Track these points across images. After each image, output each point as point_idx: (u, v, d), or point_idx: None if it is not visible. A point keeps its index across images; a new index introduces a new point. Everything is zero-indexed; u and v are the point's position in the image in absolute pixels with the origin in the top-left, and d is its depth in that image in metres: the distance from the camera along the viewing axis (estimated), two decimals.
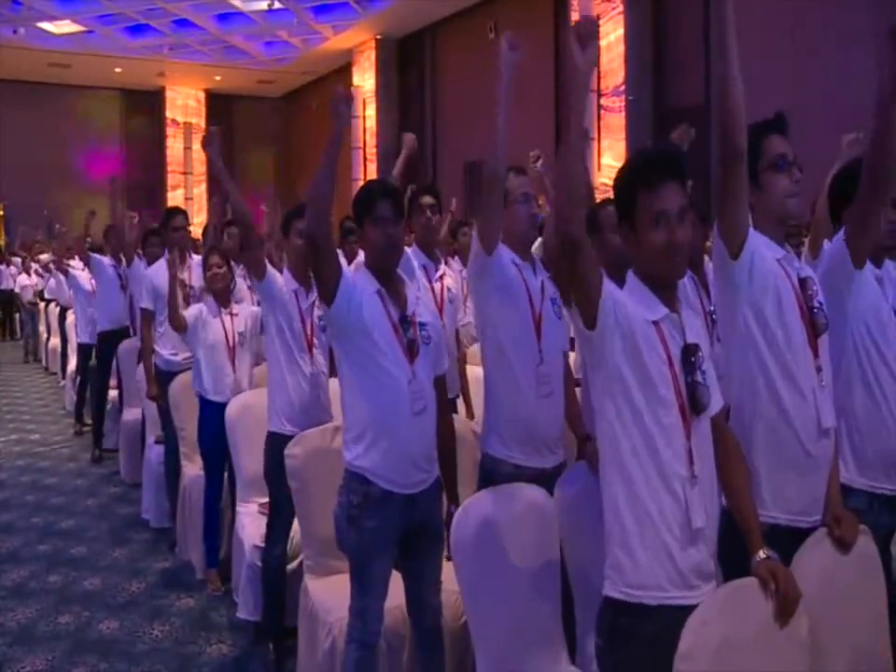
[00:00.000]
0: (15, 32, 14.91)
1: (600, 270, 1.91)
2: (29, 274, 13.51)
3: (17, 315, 14.97)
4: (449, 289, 4.00)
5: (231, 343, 4.40)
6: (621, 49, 10.29)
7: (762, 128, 2.32)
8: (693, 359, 1.96)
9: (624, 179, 2.01)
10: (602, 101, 10.51)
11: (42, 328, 12.77)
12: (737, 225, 2.20)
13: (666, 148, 2.10)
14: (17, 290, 14.30)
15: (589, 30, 1.88)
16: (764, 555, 1.95)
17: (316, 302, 3.63)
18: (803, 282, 2.28)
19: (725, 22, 2.15)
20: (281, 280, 3.66)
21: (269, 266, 3.65)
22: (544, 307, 2.85)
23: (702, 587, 1.92)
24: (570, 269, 1.91)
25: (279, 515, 3.58)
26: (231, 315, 4.45)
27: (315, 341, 3.67)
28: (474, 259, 2.82)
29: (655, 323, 1.94)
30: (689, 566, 1.90)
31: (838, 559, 2.15)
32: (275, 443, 3.56)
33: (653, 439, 1.90)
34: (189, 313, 4.47)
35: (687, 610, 1.84)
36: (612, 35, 10.38)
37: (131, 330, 6.49)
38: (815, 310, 2.27)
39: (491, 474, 2.84)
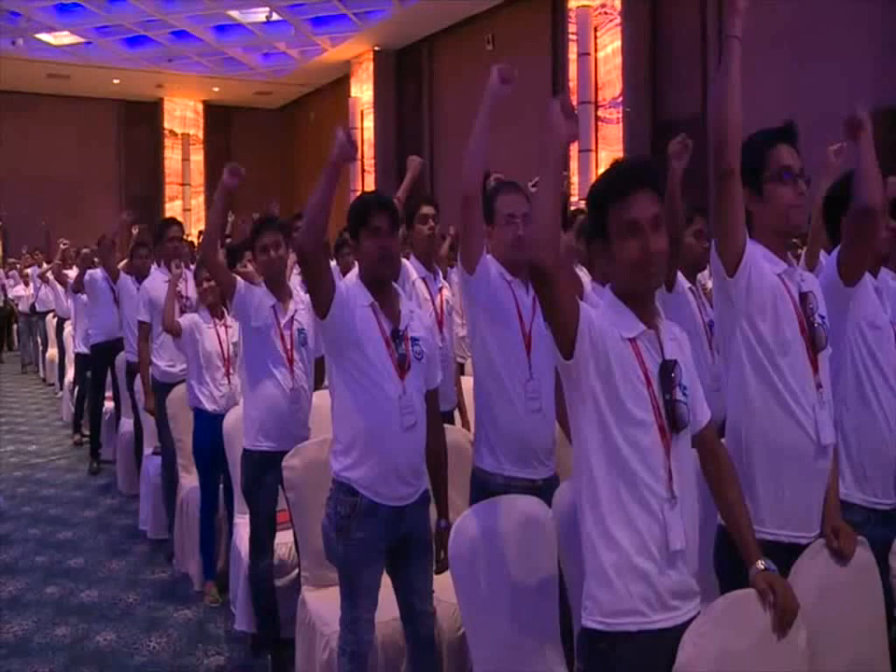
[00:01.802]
0: (14, 43, 14.92)
1: (576, 298, 1.87)
2: (27, 285, 13.51)
3: (14, 326, 14.96)
4: (447, 301, 4.01)
5: (225, 355, 4.40)
6: (618, 60, 10.32)
7: (769, 137, 2.28)
8: (671, 376, 1.91)
9: (595, 194, 1.97)
10: (599, 112, 10.54)
11: (39, 338, 12.78)
12: (732, 242, 2.18)
13: (637, 158, 2.08)
14: (11, 298, 14.33)
15: (570, 107, 1.87)
16: (762, 566, 1.95)
17: (295, 316, 3.62)
18: (804, 296, 2.25)
19: (732, 54, 2.12)
20: (257, 296, 3.59)
21: (241, 283, 3.61)
22: (535, 323, 2.82)
23: (682, 607, 1.88)
24: (543, 298, 1.86)
25: (259, 531, 3.59)
26: (226, 326, 4.45)
27: (296, 354, 3.60)
28: (460, 277, 2.84)
29: (632, 340, 1.90)
30: (668, 587, 1.85)
31: (836, 571, 2.15)
32: (250, 460, 3.57)
33: (629, 461, 1.85)
34: (184, 321, 4.48)
35: (668, 632, 1.83)
36: (609, 47, 10.41)
37: (125, 343, 6.48)
38: (816, 325, 2.23)
39: (483, 486, 2.83)
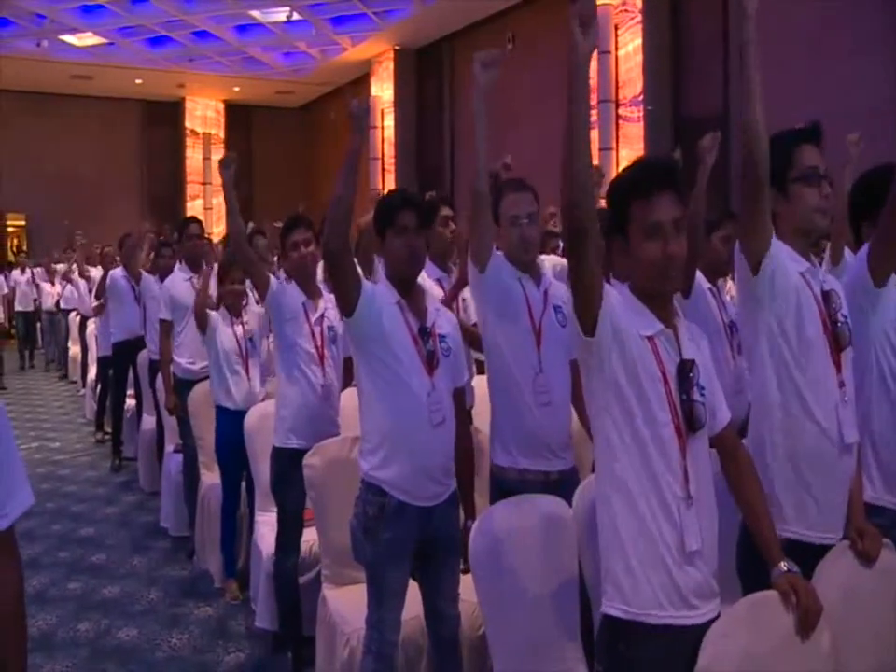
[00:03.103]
0: (38, 45, 15.08)
1: (602, 276, 1.85)
2: (53, 283, 13.63)
3: (38, 325, 15.11)
4: (463, 299, 4.00)
5: (243, 352, 4.43)
6: (639, 58, 10.26)
7: (794, 137, 2.25)
8: (689, 375, 1.89)
9: (617, 190, 1.94)
10: (620, 111, 10.49)
11: (62, 336, 12.88)
12: (757, 242, 2.16)
13: (660, 158, 2.05)
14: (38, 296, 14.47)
15: (588, 13, 1.77)
16: (785, 568, 1.93)
17: (325, 314, 3.65)
18: (826, 295, 2.24)
19: (750, 60, 2.09)
20: (288, 294, 3.63)
21: (274, 282, 3.64)
22: (546, 317, 2.86)
23: (701, 607, 1.86)
24: (574, 260, 1.83)
25: (286, 528, 3.59)
26: (242, 323, 4.49)
27: (326, 352, 3.63)
28: (469, 275, 2.86)
29: (650, 339, 1.88)
30: (688, 585, 1.84)
31: (861, 573, 2.13)
32: (280, 458, 3.58)
33: (650, 456, 1.84)
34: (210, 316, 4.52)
35: (687, 631, 1.82)
36: (630, 45, 10.36)
37: (146, 341, 6.52)
38: (838, 324, 2.22)
39: (499, 481, 2.86)
